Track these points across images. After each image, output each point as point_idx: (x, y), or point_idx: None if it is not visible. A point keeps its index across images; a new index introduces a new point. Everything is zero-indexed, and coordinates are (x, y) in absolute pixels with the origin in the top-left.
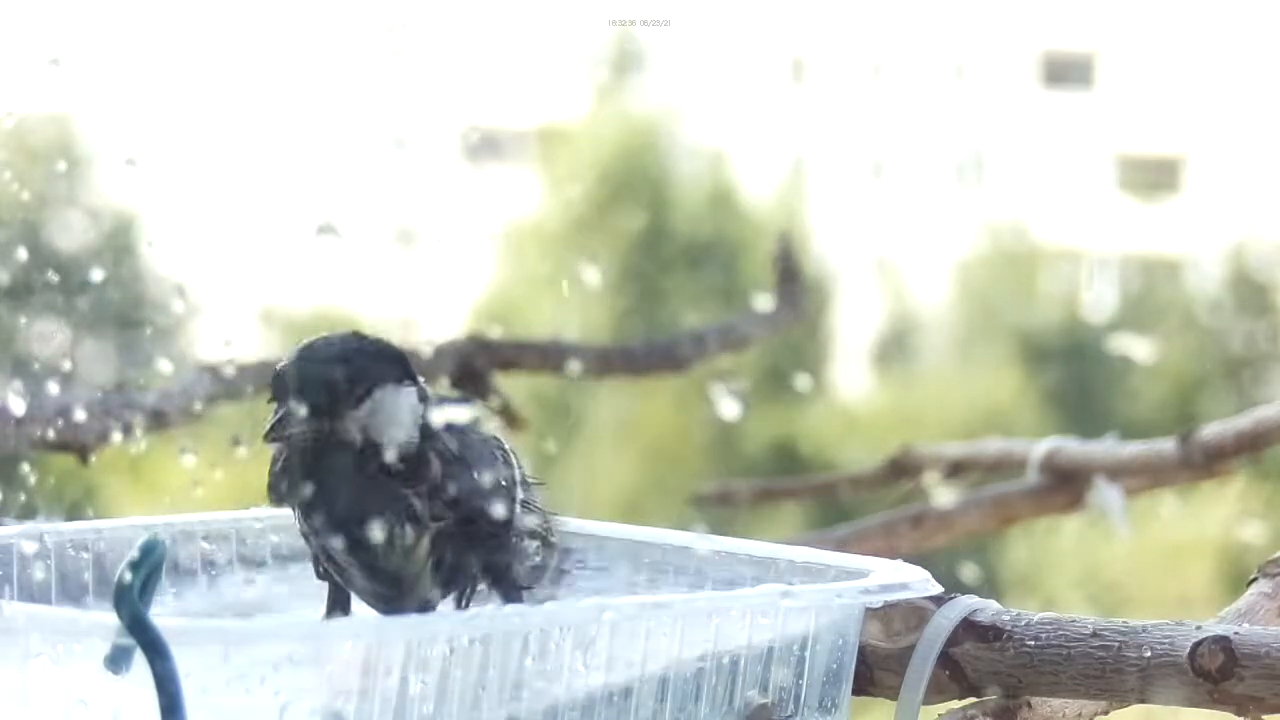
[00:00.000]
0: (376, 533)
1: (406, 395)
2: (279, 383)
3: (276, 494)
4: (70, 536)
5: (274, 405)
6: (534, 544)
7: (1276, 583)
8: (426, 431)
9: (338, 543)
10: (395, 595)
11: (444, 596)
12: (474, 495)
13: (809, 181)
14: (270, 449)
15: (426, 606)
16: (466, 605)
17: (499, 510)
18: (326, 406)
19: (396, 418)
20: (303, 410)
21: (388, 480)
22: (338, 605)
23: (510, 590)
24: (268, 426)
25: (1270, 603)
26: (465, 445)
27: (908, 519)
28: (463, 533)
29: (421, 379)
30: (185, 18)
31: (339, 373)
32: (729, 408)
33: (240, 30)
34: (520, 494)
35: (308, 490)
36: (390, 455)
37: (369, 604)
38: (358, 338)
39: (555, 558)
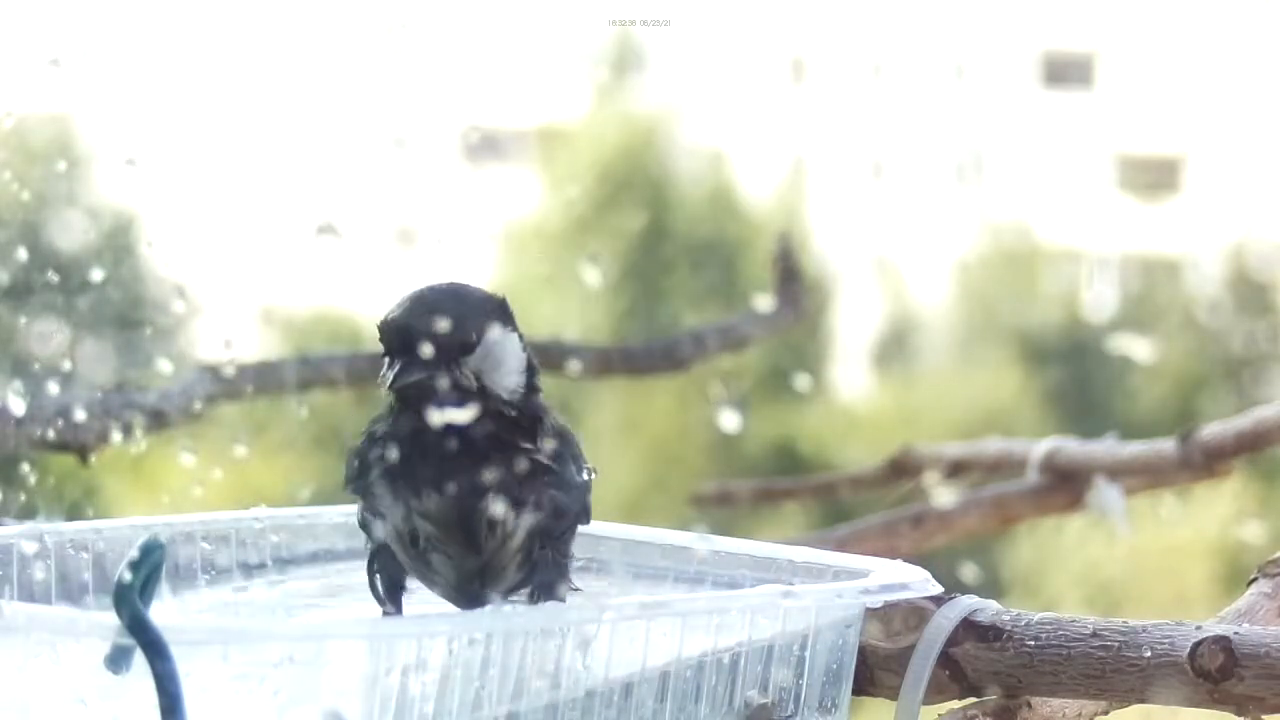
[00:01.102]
0: (490, 501)
1: (512, 339)
2: (389, 333)
3: (362, 471)
4: (70, 536)
5: (386, 357)
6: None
7: (1276, 583)
8: (533, 385)
9: (437, 513)
10: (477, 589)
11: (514, 594)
12: (578, 470)
13: (809, 181)
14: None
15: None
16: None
17: (585, 499)
18: (445, 351)
19: (506, 363)
20: (422, 356)
21: (501, 435)
22: (390, 603)
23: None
24: (388, 376)
25: (1270, 603)
26: (575, 443)
27: (908, 519)
28: (550, 529)
29: (522, 334)
30: (185, 18)
31: (453, 316)
32: (729, 419)
33: (240, 30)
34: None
35: (417, 457)
36: (505, 397)
37: (444, 596)
38: (458, 285)
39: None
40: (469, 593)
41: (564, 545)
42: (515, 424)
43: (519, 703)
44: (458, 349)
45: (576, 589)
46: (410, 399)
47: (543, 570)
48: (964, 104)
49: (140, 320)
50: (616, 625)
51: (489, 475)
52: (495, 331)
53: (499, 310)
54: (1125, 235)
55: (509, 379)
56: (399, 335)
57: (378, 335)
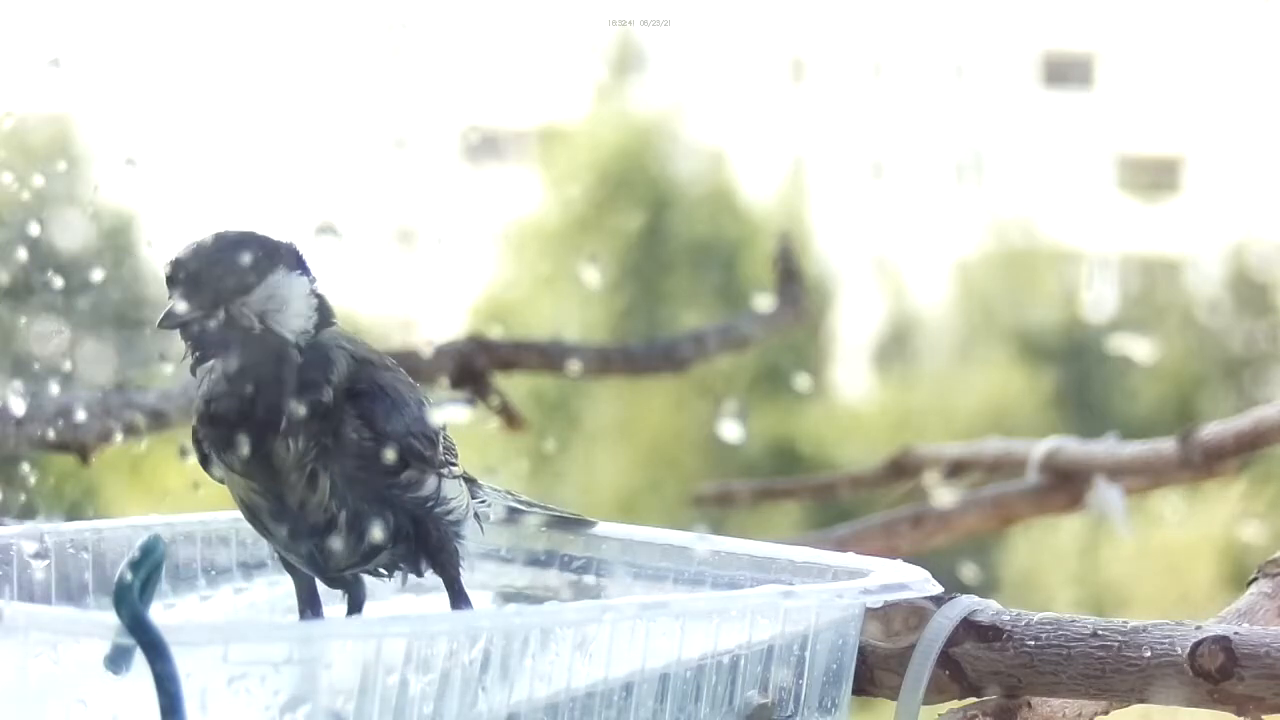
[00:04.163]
0: (278, 442)
1: (300, 282)
2: (168, 272)
3: (198, 446)
4: (70, 536)
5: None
6: (456, 514)
7: (1276, 583)
8: (328, 324)
9: (241, 452)
10: (314, 551)
11: (365, 561)
12: (389, 413)
13: (809, 181)
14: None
15: (353, 579)
16: (400, 578)
17: (415, 446)
18: (221, 292)
19: (292, 304)
20: (197, 298)
21: (290, 377)
22: (309, 605)
23: (447, 572)
24: (161, 316)
25: (1270, 603)
26: (385, 379)
27: (908, 519)
28: (374, 472)
29: (314, 277)
30: (185, 18)
31: (233, 257)
32: (730, 430)
33: (240, 30)
34: (445, 457)
35: (216, 400)
36: (290, 338)
37: (301, 566)
38: (248, 232)
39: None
40: (306, 552)
41: (419, 490)
42: (305, 365)
43: (518, 703)
44: (235, 289)
45: (456, 570)
46: (192, 341)
47: (386, 540)
48: (964, 104)
49: (140, 320)
50: (616, 625)
51: (277, 418)
52: (280, 274)
53: (287, 255)
54: (1125, 235)
55: (295, 320)
56: (174, 274)
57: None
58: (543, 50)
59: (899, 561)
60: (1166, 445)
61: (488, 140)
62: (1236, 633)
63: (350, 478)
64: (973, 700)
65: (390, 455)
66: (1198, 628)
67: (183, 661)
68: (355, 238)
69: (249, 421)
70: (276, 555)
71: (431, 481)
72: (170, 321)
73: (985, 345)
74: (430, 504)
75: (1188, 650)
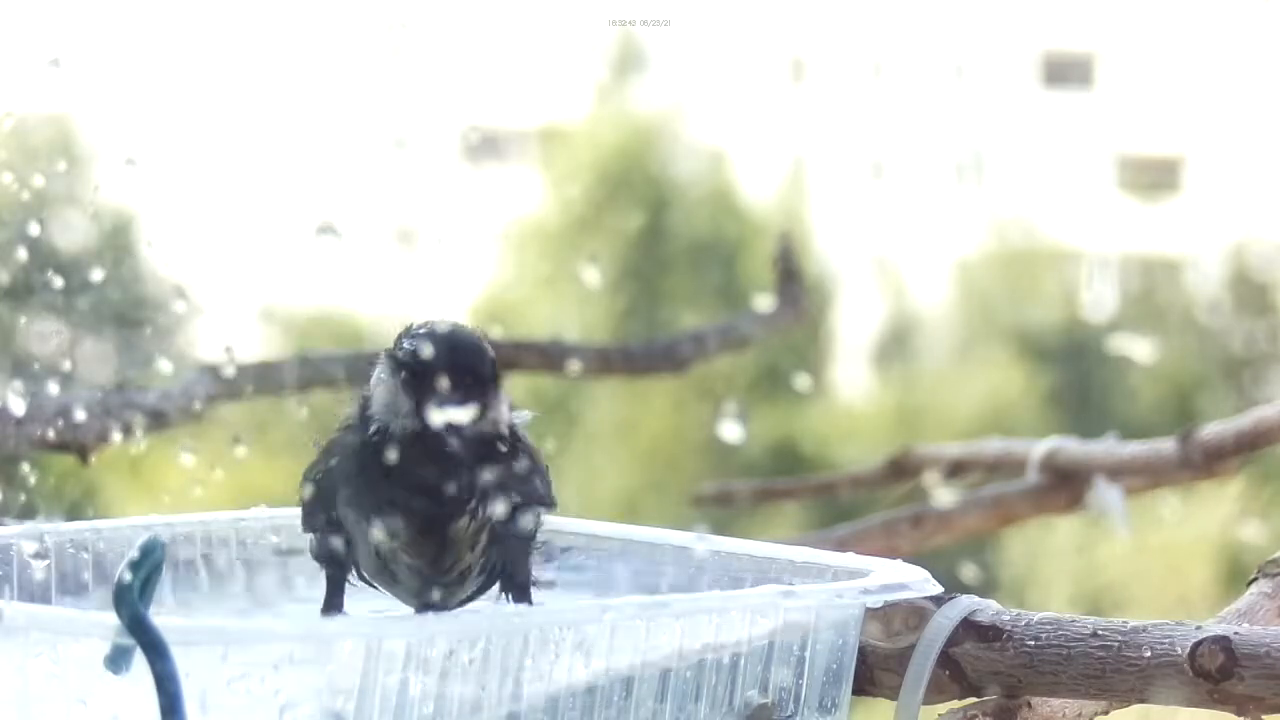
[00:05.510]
0: (456, 518)
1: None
2: (457, 372)
3: (322, 500)
4: (70, 536)
5: (421, 394)
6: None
7: (1276, 583)
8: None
9: (405, 534)
10: (443, 596)
11: (473, 599)
12: (538, 486)
13: (809, 181)
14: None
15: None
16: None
17: (547, 504)
18: (495, 391)
19: (502, 395)
20: (485, 397)
21: (478, 455)
22: (333, 606)
23: (525, 598)
24: (452, 412)
25: (1270, 603)
26: (523, 433)
27: (908, 519)
28: (505, 529)
29: None
30: (185, 18)
31: (489, 359)
32: (731, 430)
33: (240, 30)
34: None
35: (387, 490)
36: (503, 431)
37: (405, 601)
38: (459, 324)
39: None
40: (428, 599)
41: (528, 547)
42: (495, 445)
43: (518, 703)
44: (498, 388)
45: (550, 582)
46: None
47: (514, 573)
48: (964, 104)
49: (140, 320)
50: (616, 625)
51: (464, 494)
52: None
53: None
54: (1125, 235)
55: (505, 409)
56: (471, 374)
57: (430, 370)
58: (543, 50)
59: (899, 561)
60: (1166, 445)
61: (488, 140)
62: (1236, 633)
63: (492, 537)
64: (973, 700)
65: (534, 512)
66: (1198, 628)
67: (183, 661)
68: (355, 238)
69: (431, 495)
70: (312, 556)
71: (541, 518)
72: (480, 423)
73: (985, 345)
74: (532, 540)
75: (1188, 650)
